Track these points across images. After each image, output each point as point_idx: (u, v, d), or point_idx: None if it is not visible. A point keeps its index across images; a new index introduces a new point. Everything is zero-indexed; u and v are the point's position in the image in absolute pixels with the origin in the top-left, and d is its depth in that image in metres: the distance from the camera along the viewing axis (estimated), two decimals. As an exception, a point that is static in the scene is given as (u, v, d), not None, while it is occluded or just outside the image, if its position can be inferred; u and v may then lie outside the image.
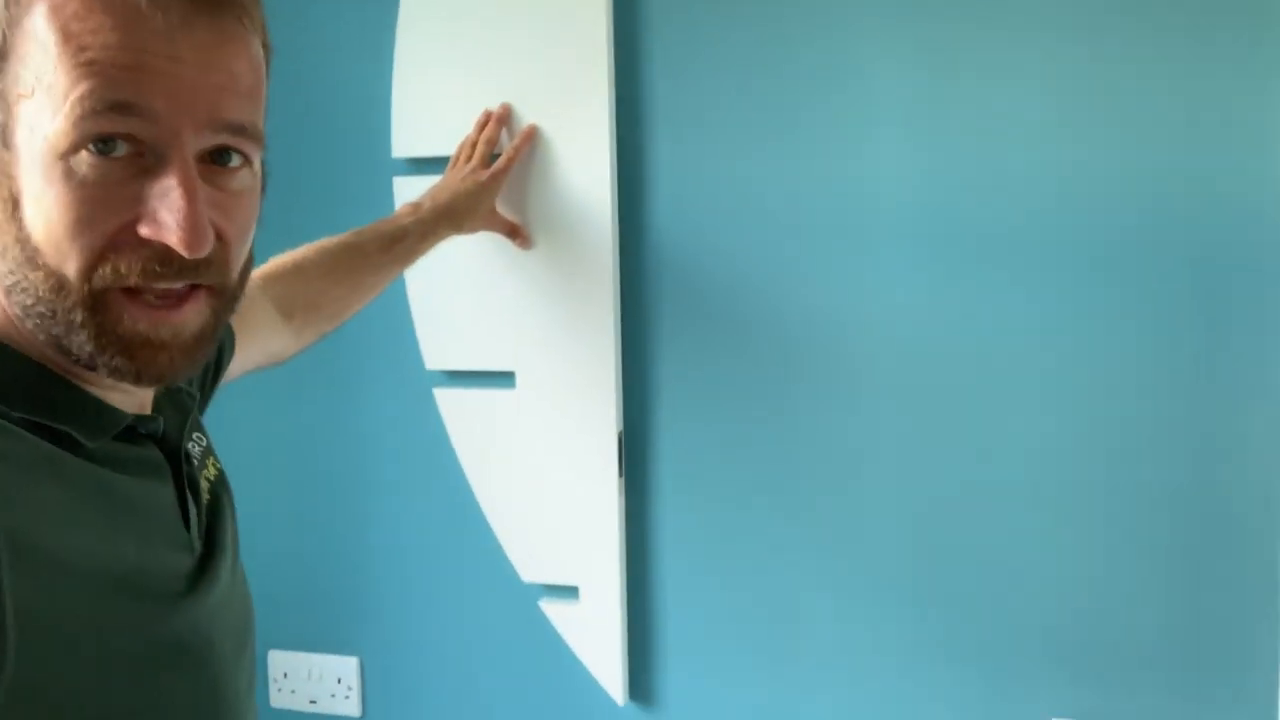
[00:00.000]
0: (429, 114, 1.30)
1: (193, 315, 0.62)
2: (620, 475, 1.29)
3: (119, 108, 0.57)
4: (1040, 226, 1.15)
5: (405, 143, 1.32)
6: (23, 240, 0.59)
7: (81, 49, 0.57)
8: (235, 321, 0.94)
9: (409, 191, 1.28)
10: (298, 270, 1.05)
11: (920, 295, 1.19)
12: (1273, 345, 1.10)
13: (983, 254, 1.17)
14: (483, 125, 1.26)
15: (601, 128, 1.24)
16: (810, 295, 1.23)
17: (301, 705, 1.48)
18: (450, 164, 1.26)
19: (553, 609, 1.33)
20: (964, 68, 1.16)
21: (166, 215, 0.58)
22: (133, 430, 0.66)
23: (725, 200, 1.24)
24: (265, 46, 0.66)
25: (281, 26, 1.36)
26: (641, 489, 1.31)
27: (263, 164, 0.68)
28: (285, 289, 1.03)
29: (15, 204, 0.59)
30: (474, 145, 1.25)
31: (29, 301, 0.59)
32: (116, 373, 0.60)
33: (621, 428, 1.29)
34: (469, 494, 1.35)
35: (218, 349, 0.90)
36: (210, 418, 1.45)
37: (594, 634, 1.32)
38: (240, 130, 0.62)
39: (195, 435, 0.75)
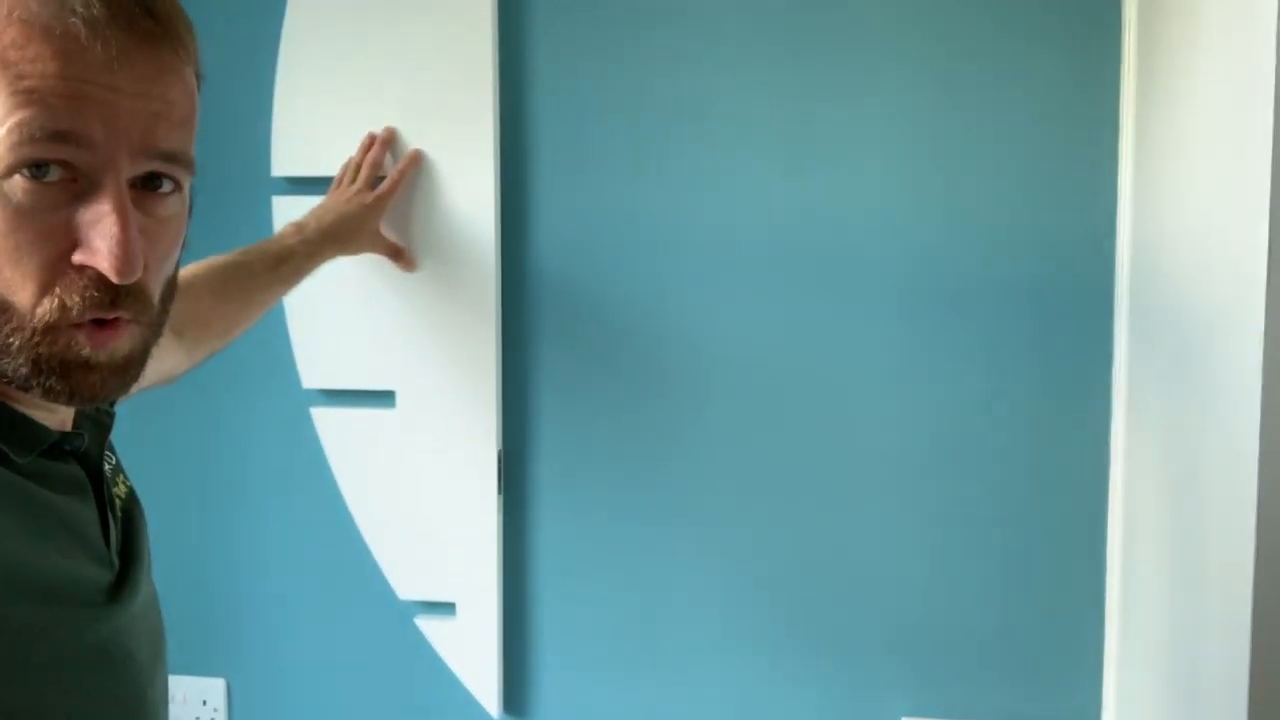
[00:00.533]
0: (311, 134, 1.31)
1: (124, 338, 0.63)
2: (500, 492, 1.32)
3: (57, 136, 0.58)
4: (887, 253, 1.25)
5: (285, 162, 1.32)
6: None
7: (20, 77, 0.57)
8: None
9: (289, 211, 1.28)
10: (188, 288, 1.04)
11: (778, 316, 1.27)
12: (1093, 363, 1.22)
13: (835, 278, 1.26)
14: (367, 148, 1.27)
15: (485, 152, 1.27)
16: (680, 317, 1.29)
17: (163, 730, 1.44)
18: (333, 185, 1.27)
19: (429, 625, 1.35)
20: (820, 102, 1.25)
21: (100, 242, 0.59)
22: (57, 447, 0.66)
23: (602, 225, 1.30)
24: (198, 75, 0.68)
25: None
26: (520, 505, 1.34)
27: (190, 190, 0.69)
28: (177, 307, 1.02)
29: None
30: (358, 167, 1.26)
31: None
32: (50, 393, 0.61)
33: (501, 446, 1.32)
34: (345, 513, 1.35)
35: None
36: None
37: (471, 649, 1.34)
38: (173, 157, 0.63)
39: (107, 453, 0.75)
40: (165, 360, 1.01)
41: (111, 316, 0.61)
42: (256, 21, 1.32)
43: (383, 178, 1.27)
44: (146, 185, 0.63)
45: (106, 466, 0.74)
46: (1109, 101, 1.20)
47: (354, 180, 1.26)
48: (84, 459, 0.69)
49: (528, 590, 1.35)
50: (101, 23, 0.58)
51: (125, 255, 0.59)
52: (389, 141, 1.28)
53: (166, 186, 0.64)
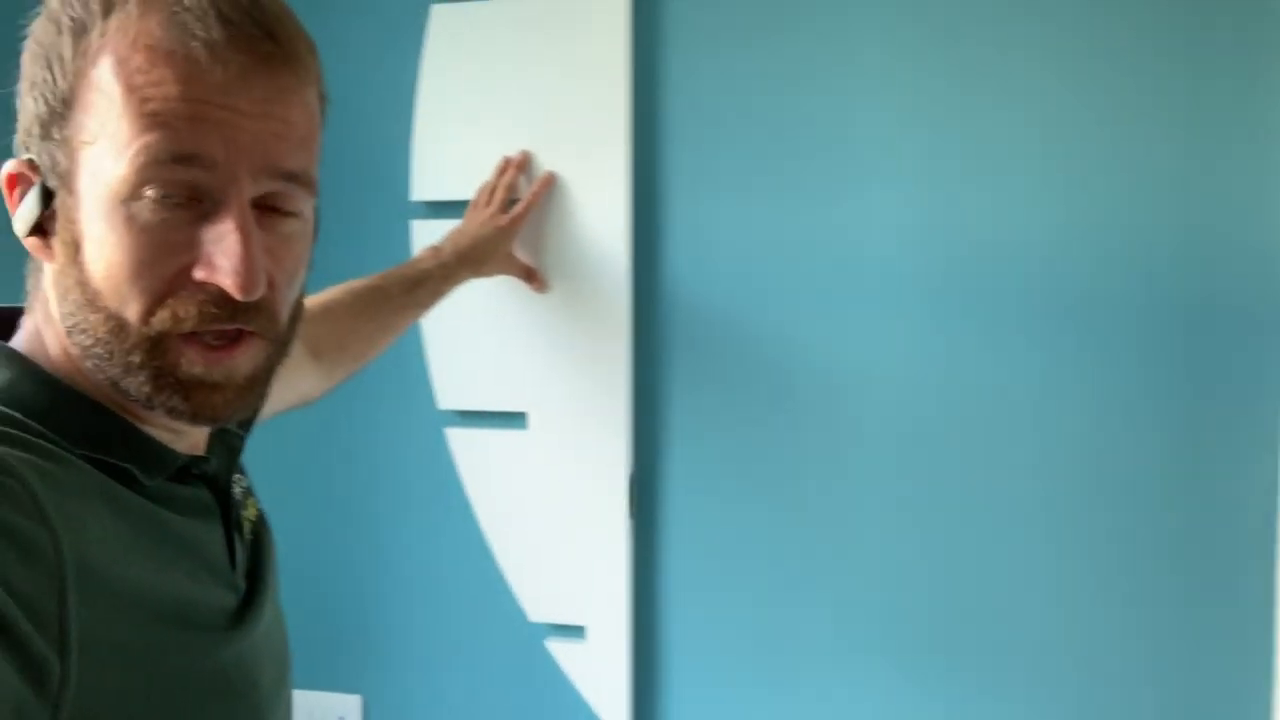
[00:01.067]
0: (449, 158, 1.33)
1: (245, 358, 0.64)
2: (631, 517, 1.31)
3: (180, 158, 0.59)
4: (1035, 269, 1.19)
5: (425, 186, 1.35)
6: (83, 283, 0.61)
7: (145, 100, 0.59)
8: None
9: (427, 235, 1.30)
10: (326, 312, 1.07)
11: (918, 336, 1.23)
12: (1258, 395, 1.14)
13: (979, 296, 1.21)
14: (502, 171, 1.29)
15: (618, 175, 1.27)
16: (815, 338, 1.26)
17: (302, 743, 1.48)
18: (470, 208, 1.29)
19: (559, 648, 1.35)
20: (961, 125, 1.20)
21: (222, 259, 0.60)
22: (185, 470, 0.67)
23: (736, 245, 1.28)
24: (321, 97, 0.69)
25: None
26: (651, 529, 1.33)
27: (315, 210, 0.70)
28: (315, 329, 1.04)
29: (77, 248, 0.61)
30: (493, 190, 1.28)
31: (88, 343, 0.61)
32: (173, 413, 0.62)
33: (633, 470, 1.31)
34: (478, 533, 1.36)
35: None
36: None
37: (600, 674, 1.33)
38: (293, 177, 0.64)
39: (236, 476, 0.77)
40: (303, 383, 1.03)
41: (231, 328, 0.62)
42: (398, 50, 1.35)
43: (516, 200, 1.28)
44: (269, 205, 0.64)
45: (237, 489, 0.75)
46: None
47: (489, 203, 1.27)
48: (212, 482, 0.70)
49: (658, 615, 1.33)
50: (221, 45, 0.60)
51: (247, 271, 0.60)
52: (523, 165, 1.29)
53: (288, 206, 0.65)
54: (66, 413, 0.62)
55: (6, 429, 0.57)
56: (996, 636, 1.23)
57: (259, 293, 0.61)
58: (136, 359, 0.61)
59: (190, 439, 0.69)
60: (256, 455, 1.42)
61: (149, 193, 0.59)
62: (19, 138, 0.63)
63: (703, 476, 1.31)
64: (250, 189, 0.62)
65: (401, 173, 1.36)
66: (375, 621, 1.44)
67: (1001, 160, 1.19)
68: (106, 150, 0.59)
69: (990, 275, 1.20)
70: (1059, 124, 1.18)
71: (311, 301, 1.08)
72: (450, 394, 1.36)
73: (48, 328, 0.63)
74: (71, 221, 0.61)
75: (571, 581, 1.32)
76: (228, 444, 0.74)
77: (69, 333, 0.62)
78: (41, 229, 0.62)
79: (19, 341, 0.65)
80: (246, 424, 0.89)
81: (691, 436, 1.31)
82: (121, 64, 0.59)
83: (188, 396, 0.62)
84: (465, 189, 1.31)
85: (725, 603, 1.31)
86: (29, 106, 0.62)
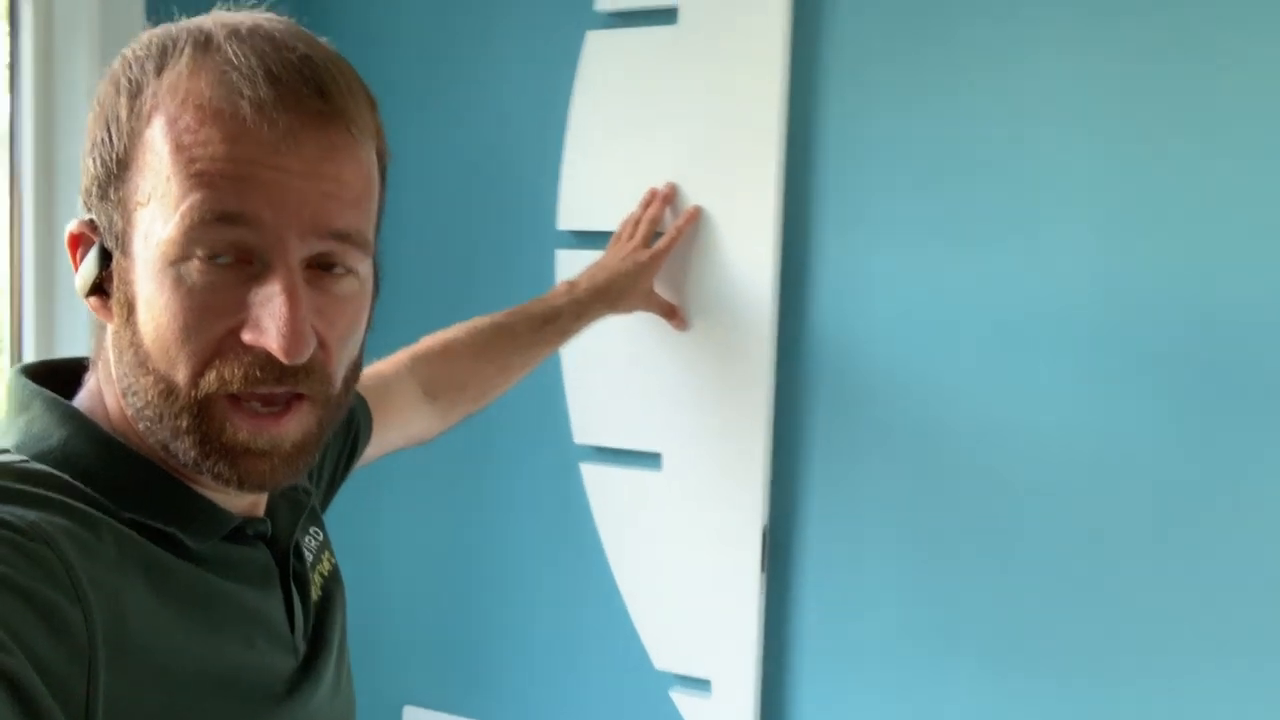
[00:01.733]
0: (596, 188, 1.30)
1: (294, 425, 0.62)
2: (763, 570, 1.24)
3: (227, 218, 0.58)
4: (1229, 344, 1.05)
5: (571, 215, 1.32)
6: (135, 345, 0.60)
7: (192, 160, 0.58)
8: (376, 404, 0.95)
9: (571, 265, 1.28)
10: (446, 351, 1.05)
11: (1092, 408, 1.11)
12: None
13: (1168, 369, 1.08)
14: (647, 204, 1.24)
15: (767, 213, 1.21)
16: (975, 396, 1.16)
17: (431, 765, 1.48)
18: (612, 241, 1.25)
19: (684, 701, 1.29)
20: (1155, 159, 1.07)
21: (268, 321, 0.58)
22: (240, 532, 0.66)
23: (891, 291, 1.19)
24: (380, 154, 0.66)
25: (459, 95, 1.39)
26: (784, 585, 1.26)
27: (376, 268, 0.67)
28: (433, 370, 1.03)
29: (131, 309, 0.60)
30: (637, 223, 1.24)
31: (139, 404, 0.61)
32: (219, 479, 0.61)
33: (767, 521, 1.24)
34: (607, 572, 1.33)
35: (352, 436, 0.91)
36: (358, 482, 1.48)
37: (725, 732, 1.27)
38: (345, 237, 0.62)
39: (312, 530, 0.75)
40: (416, 424, 1.02)
41: (282, 391, 0.61)
42: (552, 76, 1.33)
43: (661, 234, 1.24)
44: (322, 265, 0.62)
45: (311, 543, 0.74)
46: None
47: (632, 237, 1.23)
48: (273, 541, 0.69)
49: (788, 677, 1.26)
50: (269, 104, 0.58)
51: (292, 334, 0.58)
52: (670, 198, 1.24)
53: (340, 267, 0.63)
54: (118, 473, 0.61)
55: (51, 493, 0.57)
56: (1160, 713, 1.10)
57: (304, 356, 0.60)
58: (184, 423, 0.60)
59: (250, 497, 0.68)
60: (387, 481, 1.45)
61: (197, 254, 0.58)
62: (81, 198, 0.63)
63: (842, 532, 1.23)
64: (299, 249, 0.60)
65: (549, 201, 1.33)
66: (503, 651, 1.42)
67: (1207, 204, 1.06)
68: (157, 212, 0.59)
69: (1181, 338, 1.07)
70: (1269, 170, 1.04)
71: (432, 340, 1.07)
72: (587, 429, 1.33)
73: (108, 386, 0.63)
74: (126, 283, 0.60)
75: (699, 632, 1.27)
76: (293, 501, 0.72)
77: (124, 394, 0.62)
78: (101, 289, 0.62)
79: (81, 398, 0.65)
80: (334, 471, 0.88)
81: (832, 489, 1.23)
82: (171, 124, 0.59)
83: (234, 463, 0.61)
84: (611, 220, 1.28)
85: (861, 667, 1.22)
86: (89, 167, 0.62)
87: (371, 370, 1.00)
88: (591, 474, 1.33)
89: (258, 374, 0.59)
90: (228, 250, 0.58)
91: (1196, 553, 1.07)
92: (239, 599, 0.64)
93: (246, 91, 0.58)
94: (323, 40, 0.65)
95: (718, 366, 1.24)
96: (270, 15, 0.65)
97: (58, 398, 0.63)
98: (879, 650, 1.21)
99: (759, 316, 1.22)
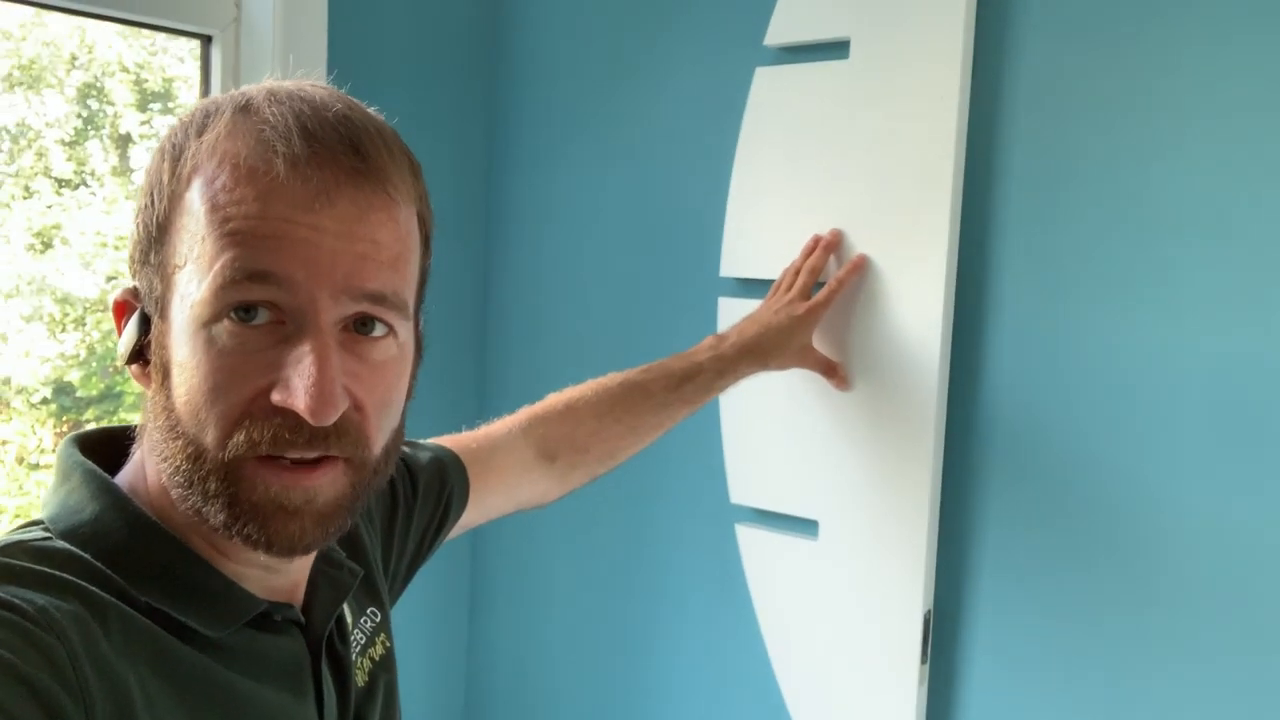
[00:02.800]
0: (761, 233, 1.22)
1: (327, 483, 0.59)
2: (924, 661, 1.11)
3: (257, 276, 0.56)
4: None
5: (734, 262, 1.25)
6: (168, 409, 0.59)
7: (226, 220, 0.56)
8: (479, 467, 0.91)
9: (733, 314, 1.20)
10: (569, 410, 1.00)
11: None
12: None
13: None
14: (809, 251, 1.15)
15: (939, 260, 1.09)
16: (1167, 479, 0.99)
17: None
18: (771, 292, 1.17)
19: (835, 795, 1.19)
20: None
21: (297, 381, 0.56)
22: (268, 618, 0.64)
23: (1075, 357, 1.04)
24: (423, 219, 0.63)
25: (625, 134, 1.35)
26: (948, 679, 1.13)
27: (418, 332, 0.65)
28: (552, 430, 0.99)
29: (166, 374, 0.59)
30: (797, 272, 1.15)
31: (170, 470, 0.59)
32: (249, 541, 0.58)
33: (931, 606, 1.12)
34: (759, 642, 1.24)
35: (445, 503, 0.88)
36: (513, 537, 1.47)
37: (878, 835, 1.15)
38: (381, 299, 0.59)
39: (370, 610, 0.72)
40: (529, 487, 0.98)
41: (313, 455, 0.58)
42: (718, 116, 1.27)
43: (823, 284, 1.14)
44: (359, 329, 0.59)
45: (366, 624, 0.71)
46: None
47: (791, 287, 1.14)
48: (308, 629, 0.66)
49: (949, 782, 1.13)
50: (303, 161, 0.56)
51: (320, 395, 0.56)
52: (834, 246, 1.15)
53: (378, 330, 0.60)
54: (142, 553, 0.60)
55: (68, 576, 0.56)
56: None
57: (331, 418, 0.57)
58: (213, 486, 0.58)
59: (290, 579, 0.66)
60: (536, 539, 1.42)
61: (229, 314, 0.57)
62: (127, 265, 0.63)
63: (1014, 623, 1.09)
64: (332, 310, 0.57)
65: (713, 246, 1.27)
66: (656, 710, 1.36)
67: None
68: (193, 273, 0.57)
69: None
70: None
71: (556, 397, 1.02)
72: (743, 489, 1.25)
73: (150, 457, 0.62)
74: (163, 347, 0.59)
75: (853, 720, 1.16)
76: (335, 581, 0.69)
77: (160, 461, 0.61)
78: (142, 355, 0.62)
79: (125, 471, 0.64)
80: (420, 544, 0.85)
81: (1004, 574, 1.09)
82: (208, 184, 0.57)
83: (264, 524, 0.58)
84: (777, 267, 1.19)
85: (1030, 786, 1.08)
86: (134, 233, 0.61)
87: (482, 431, 0.97)
88: (747, 535, 1.25)
89: (287, 436, 0.57)
90: (259, 310, 0.57)
91: None
92: (258, 696, 0.61)
93: (281, 148, 0.56)
94: (371, 109, 0.63)
95: (881, 430, 1.13)
96: (316, 82, 0.63)
97: (97, 470, 0.63)
98: (1054, 765, 1.06)
99: (927, 378, 1.10)
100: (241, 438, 0.57)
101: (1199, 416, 0.98)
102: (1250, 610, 0.96)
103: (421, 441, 0.90)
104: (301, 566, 0.66)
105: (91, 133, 1.44)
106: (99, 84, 1.44)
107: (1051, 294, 1.06)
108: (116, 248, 1.43)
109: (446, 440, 0.93)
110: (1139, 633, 1.01)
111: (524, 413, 0.99)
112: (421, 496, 0.85)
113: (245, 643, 0.61)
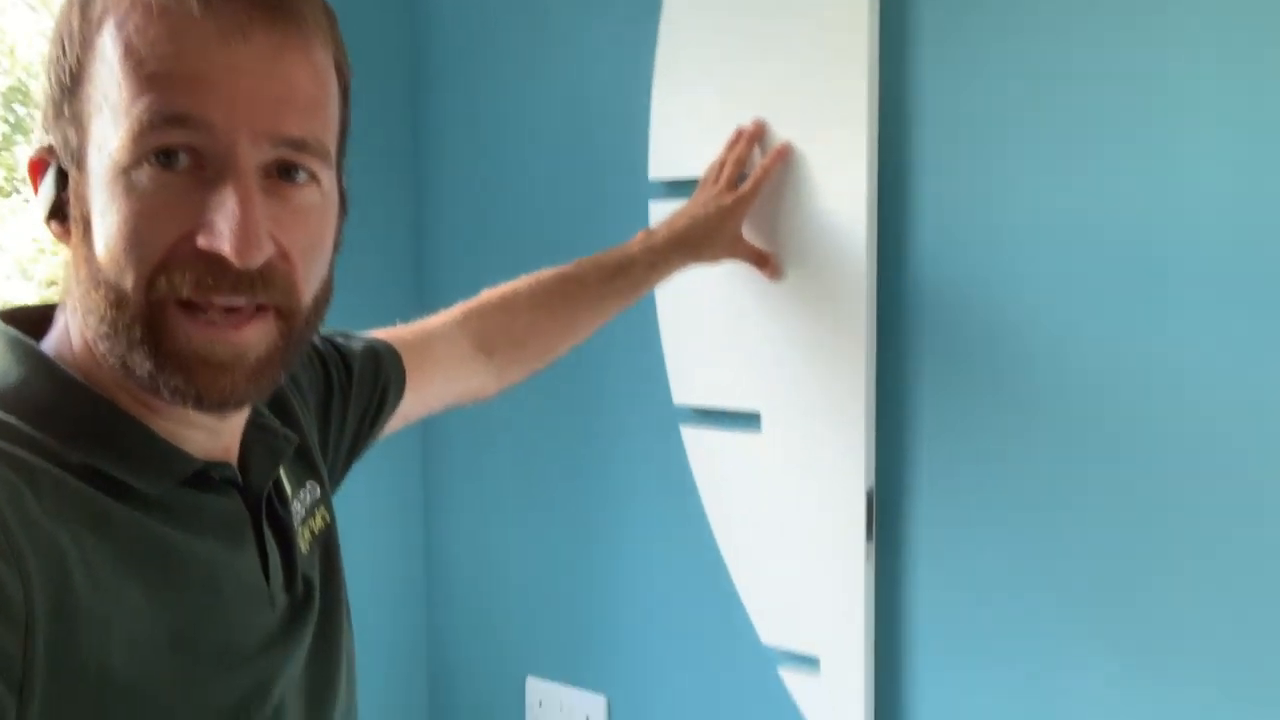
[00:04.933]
0: (686, 134, 1.22)
1: (256, 337, 0.59)
2: (869, 539, 1.13)
3: (175, 120, 0.56)
4: None
5: (662, 164, 1.25)
6: (90, 260, 0.58)
7: (140, 62, 0.56)
8: (415, 357, 0.92)
9: (664, 216, 1.20)
10: (504, 304, 1.01)
11: (1245, 341, 0.94)
12: None
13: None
14: (733, 144, 1.16)
15: (859, 144, 1.09)
16: (1105, 336, 1.01)
17: (554, 737, 1.45)
18: (698, 187, 1.17)
19: (793, 680, 1.20)
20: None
21: (221, 224, 0.56)
22: (204, 476, 0.63)
23: (1001, 226, 1.06)
24: (340, 66, 0.63)
25: (542, 48, 1.35)
26: (893, 553, 1.15)
27: (341, 186, 0.65)
28: (487, 324, 0.99)
29: (87, 225, 0.59)
30: (722, 165, 1.15)
31: (94, 322, 0.59)
32: (177, 394, 0.58)
33: (873, 484, 1.14)
34: (711, 540, 1.25)
35: (380, 388, 0.88)
36: (464, 445, 1.48)
37: (836, 714, 1.17)
38: (301, 145, 0.59)
39: (309, 484, 0.72)
40: (468, 379, 0.98)
41: (240, 301, 0.58)
42: (633, 24, 1.26)
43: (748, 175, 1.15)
44: (282, 175, 0.59)
45: (305, 497, 0.71)
46: None
47: (717, 180, 1.15)
48: (245, 490, 0.66)
49: (902, 654, 1.15)
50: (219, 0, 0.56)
51: (245, 236, 0.56)
52: (756, 136, 1.15)
53: (301, 177, 0.60)
54: (73, 413, 0.60)
55: None
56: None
57: (259, 259, 0.57)
58: (137, 333, 0.58)
59: (223, 441, 0.65)
60: (487, 447, 1.43)
61: (148, 159, 0.56)
62: (39, 123, 0.62)
63: (957, 495, 1.11)
64: (253, 154, 0.58)
65: (640, 151, 1.27)
66: (617, 622, 1.38)
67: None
68: (109, 119, 0.57)
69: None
70: None
71: (490, 293, 1.03)
72: (685, 389, 1.26)
73: (73, 320, 0.62)
74: (82, 199, 0.59)
75: (805, 606, 1.18)
76: (269, 447, 0.69)
77: (83, 316, 0.60)
78: (62, 213, 0.61)
79: (49, 337, 0.64)
80: (359, 425, 0.85)
81: (941, 446, 1.11)
82: (120, 26, 0.57)
83: (190, 376, 0.58)
84: (702, 167, 1.20)
85: (978, 641, 1.10)
86: (45, 88, 0.61)
87: (417, 325, 0.97)
88: (692, 437, 1.26)
89: (210, 280, 0.57)
90: (179, 154, 0.56)
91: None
92: (199, 549, 0.61)
93: None
94: None
95: (814, 316, 1.14)
96: None
97: (21, 336, 0.62)
98: (997, 623, 1.08)
99: (856, 260, 1.11)
100: (163, 282, 0.57)
101: (1121, 272, 1.00)
102: (1182, 458, 0.98)
103: (355, 333, 0.90)
104: (234, 428, 0.66)
105: (20, 139, 1.41)
106: (23, 87, 1.41)
107: (973, 162, 1.07)
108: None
109: (380, 333, 0.93)
110: (1077, 490, 1.04)
111: (459, 308, 1.00)
112: (357, 383, 0.85)
113: (182, 500, 0.61)
